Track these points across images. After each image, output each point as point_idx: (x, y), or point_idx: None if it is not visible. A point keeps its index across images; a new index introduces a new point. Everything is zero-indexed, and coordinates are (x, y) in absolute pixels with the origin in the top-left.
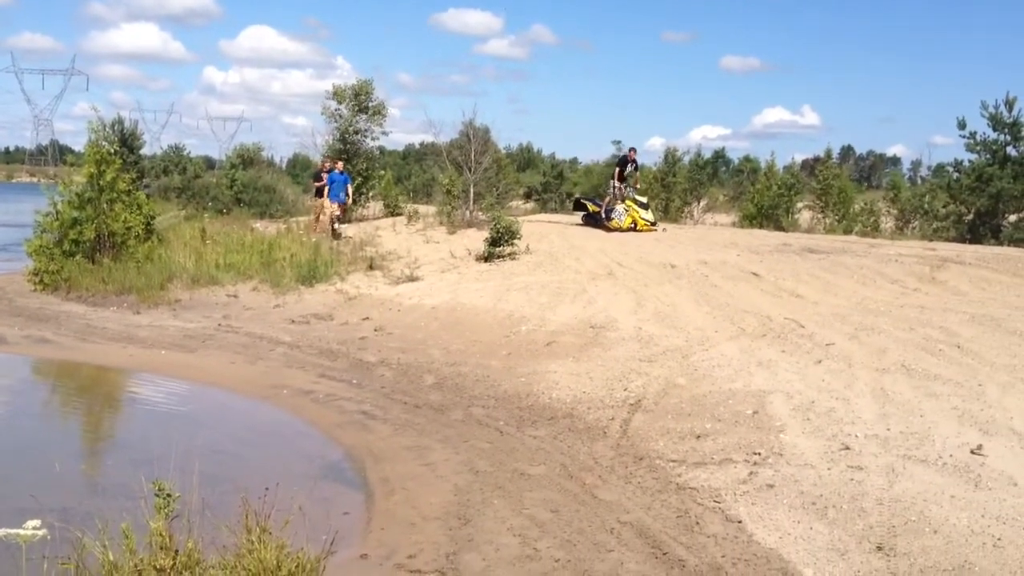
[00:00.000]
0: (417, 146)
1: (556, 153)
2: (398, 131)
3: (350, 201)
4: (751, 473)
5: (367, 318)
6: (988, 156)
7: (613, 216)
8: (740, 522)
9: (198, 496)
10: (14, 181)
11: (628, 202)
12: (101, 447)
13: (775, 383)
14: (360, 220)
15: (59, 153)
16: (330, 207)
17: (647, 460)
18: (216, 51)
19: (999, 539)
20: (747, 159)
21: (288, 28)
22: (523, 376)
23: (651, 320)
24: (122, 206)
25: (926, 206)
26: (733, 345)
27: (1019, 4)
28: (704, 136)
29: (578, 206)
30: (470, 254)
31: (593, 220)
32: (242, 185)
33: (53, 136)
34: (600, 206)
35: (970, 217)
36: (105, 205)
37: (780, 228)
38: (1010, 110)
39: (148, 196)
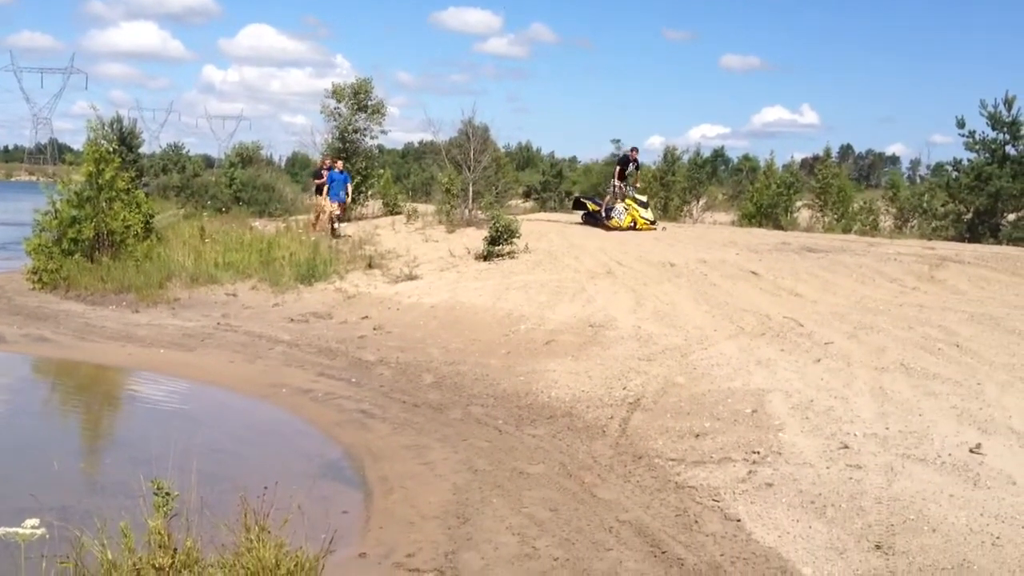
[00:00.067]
0: (416, 145)
1: (555, 152)
2: (397, 130)
3: (349, 200)
4: (750, 472)
5: (366, 317)
6: (987, 155)
7: (613, 215)
8: (739, 521)
9: (197, 495)
10: (13, 180)
11: (628, 201)
12: (100, 446)
13: (774, 382)
14: (359, 219)
15: (58, 152)
16: (329, 206)
17: (646, 459)
18: (215, 50)
19: (998, 538)
20: (746, 158)
21: (287, 27)
22: (522, 375)
23: (650, 319)
24: (121, 205)
25: (925, 205)
26: (732, 344)
27: (1019, 4)
28: (703, 135)
29: (578, 205)
30: (469, 253)
31: (593, 219)
32: (241, 184)
33: (52, 135)
34: (600, 205)
35: (969, 216)
36: (104, 204)
37: (779, 227)
38: (1009, 109)
39: (147, 195)
